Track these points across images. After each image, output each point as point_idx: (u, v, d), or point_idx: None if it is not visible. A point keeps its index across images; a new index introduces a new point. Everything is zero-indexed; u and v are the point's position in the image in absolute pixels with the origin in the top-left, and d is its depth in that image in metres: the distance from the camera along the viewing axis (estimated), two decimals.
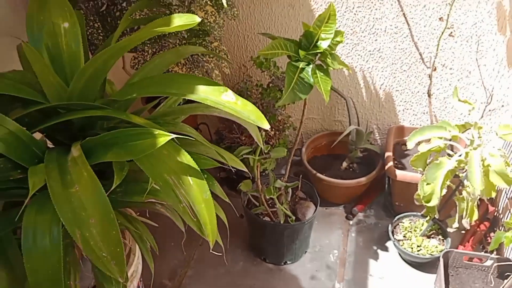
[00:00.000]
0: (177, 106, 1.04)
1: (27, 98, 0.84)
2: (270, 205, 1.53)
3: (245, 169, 1.02)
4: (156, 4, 1.09)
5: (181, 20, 0.78)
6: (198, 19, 0.77)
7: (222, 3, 1.03)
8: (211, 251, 0.77)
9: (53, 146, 0.90)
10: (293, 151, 1.55)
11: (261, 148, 1.40)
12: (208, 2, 1.03)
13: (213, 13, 1.09)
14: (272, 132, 1.70)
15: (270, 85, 1.63)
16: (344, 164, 1.85)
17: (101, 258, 0.67)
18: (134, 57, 1.16)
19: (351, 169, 1.86)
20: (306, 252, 1.65)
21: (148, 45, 1.11)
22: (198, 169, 0.74)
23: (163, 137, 0.69)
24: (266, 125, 0.83)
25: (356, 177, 1.72)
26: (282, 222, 1.49)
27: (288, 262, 1.61)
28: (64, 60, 0.91)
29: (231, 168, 0.98)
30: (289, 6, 1.67)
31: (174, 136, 0.69)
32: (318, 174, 1.73)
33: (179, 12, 1.06)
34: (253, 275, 1.58)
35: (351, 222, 1.77)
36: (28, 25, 0.90)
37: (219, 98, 0.81)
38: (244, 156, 1.40)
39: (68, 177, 0.71)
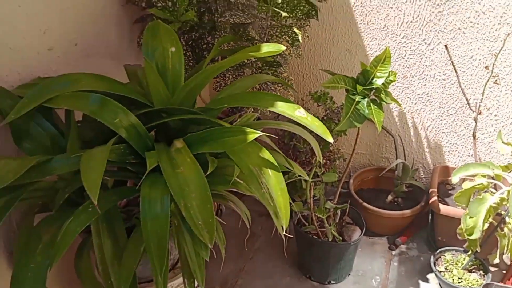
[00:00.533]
0: (252, 121, 1.23)
1: (141, 102, 1.07)
2: (319, 225, 1.67)
3: (307, 177, 1.18)
4: (240, 38, 1.32)
5: (269, 48, 0.99)
6: (283, 47, 0.97)
7: (297, 39, 1.24)
8: (284, 233, 0.92)
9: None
10: (342, 179, 1.70)
11: (314, 173, 1.57)
12: (287, 38, 1.24)
13: (288, 47, 1.30)
14: (324, 161, 1.86)
15: (325, 117, 1.81)
16: (389, 198, 1.97)
17: (197, 225, 0.84)
18: (217, 81, 1.38)
19: (395, 203, 1.97)
20: (349, 274, 1.75)
21: (230, 71, 1.34)
22: (276, 164, 0.91)
23: (253, 134, 0.88)
24: (330, 139, 1.01)
25: (401, 210, 1.83)
26: (330, 241, 1.61)
27: (332, 282, 1.71)
28: (168, 77, 1.14)
29: None
30: (347, 50, 1.88)
31: (261, 133, 0.88)
32: (365, 204, 1.85)
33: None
34: None
35: (393, 253, 1.86)
36: (144, 49, 1.13)
37: (293, 112, 1.00)
38: (297, 178, 1.57)
39: (174, 162, 0.90)
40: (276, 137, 1.83)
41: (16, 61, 1.08)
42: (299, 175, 1.44)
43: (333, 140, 1.02)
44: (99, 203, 0.78)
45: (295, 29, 1.22)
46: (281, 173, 0.91)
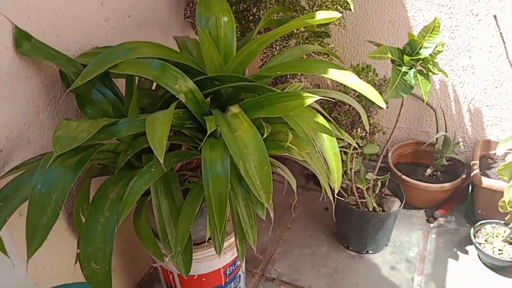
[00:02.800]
0: (301, 89, 1.25)
1: (194, 69, 1.10)
2: (359, 196, 1.69)
3: (354, 143, 1.20)
4: (289, 9, 1.32)
5: (325, 15, 1.00)
6: (339, 15, 0.98)
7: (349, 8, 1.24)
8: (335, 196, 0.95)
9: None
10: (382, 152, 1.71)
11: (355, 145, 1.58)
12: (338, 7, 1.24)
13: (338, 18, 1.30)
14: (364, 133, 1.87)
15: None
16: (428, 171, 1.97)
17: (255, 186, 0.88)
18: (264, 51, 1.40)
19: (434, 177, 1.97)
20: (387, 245, 1.78)
21: (278, 42, 1.35)
22: (330, 129, 0.94)
23: (309, 98, 0.90)
24: (383, 104, 1.02)
25: (440, 183, 1.83)
26: (370, 211, 1.64)
27: (370, 252, 1.74)
28: (220, 46, 1.17)
29: None
30: (390, 22, 1.85)
31: (318, 97, 0.90)
32: (404, 176, 1.86)
33: None
34: (335, 259, 1.73)
35: (431, 225, 1.87)
36: (198, 18, 1.16)
37: (346, 79, 1.01)
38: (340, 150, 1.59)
39: (232, 126, 0.94)
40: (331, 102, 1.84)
41: (76, 31, 1.12)
42: (348, 145, 1.47)
43: (386, 106, 1.04)
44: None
45: None
46: (335, 138, 0.93)
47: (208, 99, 1.06)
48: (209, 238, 1.11)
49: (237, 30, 1.42)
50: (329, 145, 0.92)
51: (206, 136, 0.92)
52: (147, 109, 1.13)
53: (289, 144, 1.00)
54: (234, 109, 0.99)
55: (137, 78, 1.13)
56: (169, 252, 1.02)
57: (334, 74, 1.02)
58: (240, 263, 1.41)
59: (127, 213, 0.89)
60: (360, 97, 1.81)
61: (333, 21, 1.30)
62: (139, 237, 1.11)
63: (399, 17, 1.82)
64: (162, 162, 0.81)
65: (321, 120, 0.94)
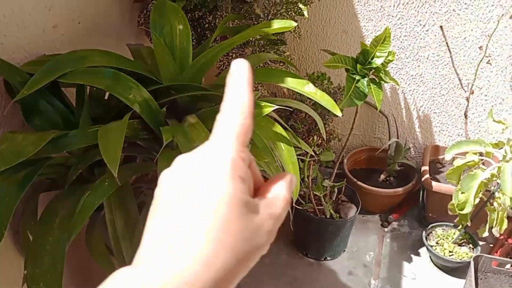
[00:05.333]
0: (257, 99, 1.25)
1: (149, 79, 1.07)
2: (316, 203, 1.71)
3: (311, 151, 1.21)
4: (244, 17, 1.32)
5: (280, 24, 1.00)
6: (295, 24, 0.99)
7: (302, 14, 1.25)
8: (293, 204, 0.95)
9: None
10: (338, 159, 1.74)
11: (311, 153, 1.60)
12: (293, 14, 1.25)
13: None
14: (320, 141, 1.90)
15: None
16: (382, 177, 2.02)
17: None
18: (220, 60, 1.39)
19: (388, 182, 2.03)
20: (344, 251, 1.80)
21: (234, 50, 1.34)
22: (288, 138, 0.94)
23: (268, 107, 0.90)
24: (339, 113, 1.03)
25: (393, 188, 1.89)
26: (327, 217, 1.66)
27: (328, 258, 1.76)
28: (176, 54, 1.14)
29: None
30: (343, 32, 1.90)
31: (276, 106, 0.90)
32: (359, 182, 1.90)
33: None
34: (295, 267, 1.74)
35: (386, 229, 1.92)
36: (152, 26, 1.13)
37: (303, 88, 1.02)
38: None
39: (189, 136, 0.92)
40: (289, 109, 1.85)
41: (22, 38, 1.06)
42: (305, 153, 1.48)
43: (341, 114, 1.05)
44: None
45: (300, 5, 1.23)
46: (293, 147, 0.93)
47: (164, 109, 1.03)
48: None
49: (193, 38, 1.40)
50: (287, 154, 0.92)
51: (163, 148, 0.89)
52: (99, 120, 1.08)
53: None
54: (192, 119, 0.97)
55: (88, 87, 1.09)
56: None
57: (290, 83, 1.02)
58: None
59: (79, 231, 0.85)
60: (316, 105, 1.84)
61: (289, 30, 1.31)
62: (92, 254, 1.06)
63: (352, 26, 1.87)
64: (116, 175, 0.78)
65: (279, 129, 0.94)
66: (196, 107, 1.10)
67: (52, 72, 0.92)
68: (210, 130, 0.91)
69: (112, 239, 1.00)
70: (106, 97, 1.15)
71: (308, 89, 1.02)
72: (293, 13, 1.25)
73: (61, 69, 0.93)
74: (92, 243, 1.06)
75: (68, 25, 1.22)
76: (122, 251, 1.00)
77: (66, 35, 1.22)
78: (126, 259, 1.00)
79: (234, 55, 1.37)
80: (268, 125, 0.94)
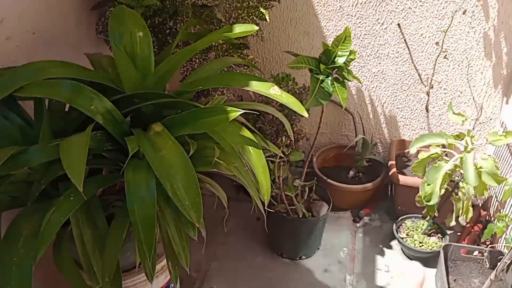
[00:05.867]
0: (223, 103, 1.24)
1: (111, 88, 1.05)
2: (288, 203, 1.71)
3: (280, 153, 1.21)
4: (206, 22, 1.31)
5: (241, 28, 1.00)
6: (256, 28, 0.99)
7: (264, 18, 1.25)
8: (266, 208, 0.95)
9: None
10: (307, 158, 1.76)
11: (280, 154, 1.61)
12: (255, 18, 1.26)
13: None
14: (289, 141, 1.91)
15: None
16: (351, 173, 2.06)
17: (185, 206, 0.85)
18: (184, 65, 1.37)
19: (357, 178, 2.06)
20: (318, 249, 1.82)
21: (197, 55, 1.33)
22: (256, 141, 0.94)
23: (234, 112, 0.89)
24: (306, 114, 1.04)
25: (362, 184, 1.92)
26: (300, 217, 1.67)
27: (303, 257, 1.77)
28: (138, 62, 1.12)
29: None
30: (305, 32, 1.92)
31: (242, 111, 0.89)
32: (329, 180, 1.93)
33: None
34: (271, 268, 1.74)
35: (358, 225, 1.96)
36: (111, 34, 1.11)
37: (268, 90, 1.03)
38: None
39: (156, 145, 0.90)
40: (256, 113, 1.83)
41: None
42: (274, 154, 1.48)
43: (308, 115, 1.06)
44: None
45: (261, 9, 1.24)
46: (261, 151, 0.93)
47: (128, 118, 1.01)
48: (140, 263, 1.05)
49: (154, 44, 1.38)
50: (256, 158, 0.92)
51: (129, 158, 0.87)
52: (60, 133, 1.04)
53: (217, 159, 0.98)
54: (157, 127, 0.95)
55: (47, 100, 1.05)
56: (96, 284, 0.95)
57: (255, 86, 1.02)
58: (174, 285, 1.36)
59: (45, 249, 0.82)
60: (283, 106, 1.85)
61: (251, 33, 1.31)
62: (60, 271, 1.02)
63: (313, 27, 1.90)
64: (81, 190, 0.75)
65: (246, 133, 0.94)
66: (161, 115, 1.09)
67: (7, 86, 0.89)
68: (176, 138, 0.90)
69: (81, 254, 0.97)
70: (66, 109, 1.12)
71: (273, 91, 1.03)
72: (254, 17, 1.26)
73: (17, 82, 0.89)
74: (60, 260, 1.02)
75: (23, 36, 1.17)
76: (93, 265, 0.97)
77: (21, 46, 1.17)
78: (97, 273, 0.97)
79: (197, 60, 1.36)
80: (235, 129, 0.94)
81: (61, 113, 1.10)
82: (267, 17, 1.25)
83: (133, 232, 0.87)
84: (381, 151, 2.14)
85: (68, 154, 0.79)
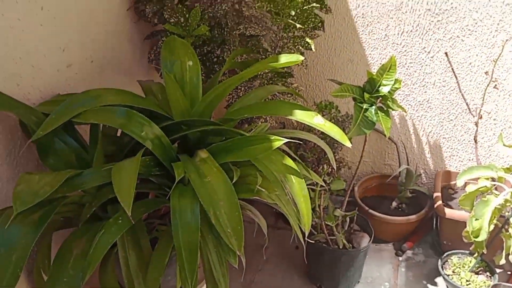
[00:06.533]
0: (266, 130, 1.26)
1: (160, 115, 1.09)
2: (328, 233, 1.69)
3: (322, 182, 1.21)
4: (252, 50, 1.35)
5: (287, 58, 1.02)
6: (301, 58, 1.01)
7: (309, 48, 1.28)
8: (306, 238, 0.94)
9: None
10: (349, 187, 1.74)
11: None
12: (300, 48, 1.28)
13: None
14: (330, 169, 1.89)
15: None
16: (394, 204, 2.00)
17: (226, 233, 0.86)
18: (229, 93, 1.41)
19: (400, 209, 2.00)
20: (358, 282, 1.77)
21: (243, 83, 1.37)
22: (299, 170, 0.94)
23: (278, 141, 0.90)
24: (349, 144, 1.04)
25: (405, 216, 1.87)
26: (340, 248, 1.64)
27: None
28: (186, 90, 1.17)
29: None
30: (349, 60, 1.93)
31: (286, 140, 0.91)
32: (371, 211, 1.89)
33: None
34: None
35: (400, 258, 1.89)
36: (163, 63, 1.16)
37: (312, 120, 1.03)
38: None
39: (201, 171, 0.93)
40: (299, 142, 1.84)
41: (38, 79, 1.10)
42: (315, 182, 1.47)
43: (350, 145, 1.06)
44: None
45: (307, 39, 1.26)
46: (303, 180, 0.94)
47: (176, 144, 1.05)
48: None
49: (202, 72, 1.42)
50: (298, 187, 0.93)
51: (175, 184, 0.90)
52: (113, 157, 1.10)
53: (259, 187, 0.99)
54: (203, 154, 0.98)
55: (101, 124, 1.11)
56: None
57: (299, 115, 1.04)
58: None
59: (94, 269, 0.85)
60: (324, 134, 1.85)
61: (301, 62, 1.34)
62: None
63: (357, 55, 1.90)
64: (129, 214, 0.78)
65: (289, 162, 0.95)
66: (207, 141, 1.12)
67: (67, 113, 0.94)
68: (220, 165, 0.92)
69: (125, 276, 1.00)
70: (118, 134, 1.17)
71: (317, 120, 1.03)
72: (300, 47, 1.28)
73: (76, 109, 0.95)
74: (105, 281, 1.06)
75: (82, 64, 1.25)
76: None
77: (80, 73, 1.25)
78: None
79: (243, 88, 1.39)
80: (278, 158, 0.95)
81: (114, 138, 1.15)
82: (312, 47, 1.27)
83: (176, 257, 0.89)
84: (425, 182, 2.08)
85: (119, 178, 0.83)
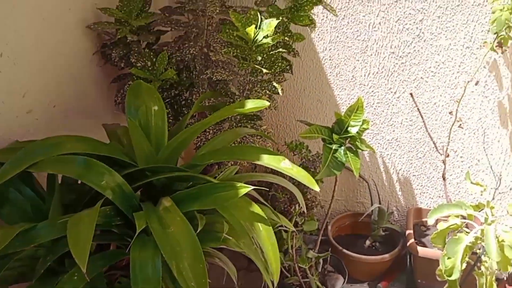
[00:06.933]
0: (234, 175, 1.24)
1: (124, 161, 1.06)
2: (302, 276, 1.65)
3: (292, 228, 1.18)
4: (220, 94, 1.35)
5: (253, 104, 1.02)
6: (267, 103, 1.01)
7: (277, 92, 1.28)
8: (278, 282, 0.91)
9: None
10: (322, 227, 1.72)
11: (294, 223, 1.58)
12: (267, 92, 1.29)
13: (267, 101, 1.35)
14: (302, 210, 1.87)
15: (301, 166, 1.84)
16: (367, 243, 1.99)
17: (190, 287, 0.82)
18: (198, 136, 1.39)
19: (373, 247, 1.99)
20: None
21: (211, 126, 1.36)
22: (266, 218, 0.92)
23: (243, 189, 0.89)
24: (317, 188, 1.03)
25: (379, 254, 1.85)
26: None
27: None
28: (152, 135, 1.15)
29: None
30: (318, 101, 1.95)
31: (252, 187, 0.89)
32: (344, 250, 1.86)
33: (239, 101, 1.32)
34: None
35: None
36: (128, 108, 1.14)
37: (279, 164, 1.02)
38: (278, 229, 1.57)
39: (164, 221, 0.89)
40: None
41: None
42: (282, 226, 1.45)
43: (319, 189, 1.05)
44: (86, 269, 0.75)
45: (274, 84, 1.27)
46: (271, 227, 0.91)
47: (138, 192, 1.01)
48: None
49: (170, 115, 1.41)
50: (265, 235, 0.90)
51: (135, 235, 0.86)
52: (72, 206, 1.05)
53: (226, 235, 0.96)
54: (166, 202, 0.95)
55: None
56: None
57: (267, 159, 1.02)
58: None
59: None
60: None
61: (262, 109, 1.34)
62: None
63: (326, 95, 1.93)
64: (84, 271, 0.74)
65: (256, 209, 0.93)
66: (173, 187, 1.09)
67: (22, 162, 0.90)
68: (185, 213, 0.89)
69: None
70: (79, 181, 1.13)
71: (284, 165, 1.02)
72: (267, 91, 1.29)
73: (32, 158, 0.91)
74: None
75: (43, 109, 1.22)
76: None
77: (41, 119, 1.22)
78: None
79: (211, 131, 1.38)
80: (245, 205, 0.93)
81: (74, 186, 1.11)
82: (279, 91, 1.28)
83: None
84: (398, 219, 2.08)
85: (75, 232, 0.79)
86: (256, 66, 1.20)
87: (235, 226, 0.89)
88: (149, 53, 1.39)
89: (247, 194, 1.03)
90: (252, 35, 1.19)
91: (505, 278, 1.82)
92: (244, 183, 1.14)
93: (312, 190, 1.88)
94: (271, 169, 1.07)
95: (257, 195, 1.09)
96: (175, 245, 0.84)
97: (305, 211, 1.30)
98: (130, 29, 1.41)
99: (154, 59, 1.39)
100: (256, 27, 1.21)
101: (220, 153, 1.09)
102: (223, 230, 0.95)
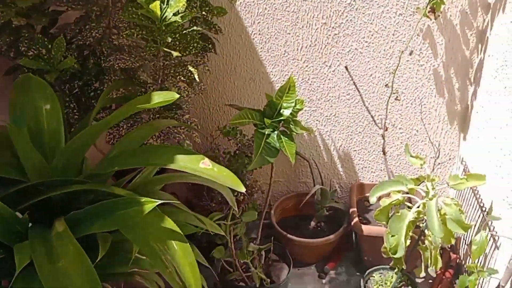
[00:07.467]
0: (154, 176, 1.09)
1: (8, 177, 0.88)
2: (245, 269, 1.55)
3: (222, 233, 1.06)
4: (131, 83, 1.17)
5: (160, 97, 0.86)
6: (176, 96, 0.85)
7: (194, 78, 1.13)
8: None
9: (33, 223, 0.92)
10: (263, 214, 1.61)
11: (233, 213, 1.45)
12: (182, 78, 1.13)
13: (186, 88, 1.19)
14: (241, 197, 1.76)
15: (237, 152, 1.72)
16: (312, 224, 1.92)
17: None
18: (110, 132, 1.21)
19: (319, 228, 1.92)
20: None
21: (124, 120, 1.18)
22: (181, 233, 0.78)
23: (149, 204, 0.74)
24: (242, 188, 0.90)
25: (324, 236, 1.79)
26: (257, 286, 1.50)
27: None
28: (45, 139, 0.96)
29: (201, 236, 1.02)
30: (250, 79, 1.81)
31: (159, 201, 0.74)
32: (289, 235, 1.78)
33: (153, 89, 1.15)
34: None
35: (324, 281, 1.80)
36: (11, 109, 0.95)
37: (197, 166, 0.88)
38: (216, 222, 1.44)
39: (54, 252, 0.73)
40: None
41: None
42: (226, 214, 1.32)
43: (245, 190, 0.92)
44: None
45: (190, 68, 1.11)
46: (188, 244, 0.78)
47: (26, 215, 0.84)
48: None
49: (75, 111, 1.21)
50: (181, 254, 0.77)
51: (16, 273, 0.70)
52: None
53: (138, 255, 0.82)
54: (59, 226, 0.79)
55: None
56: None
57: (182, 161, 0.88)
58: None
59: None
60: (231, 161, 1.71)
61: (186, 95, 1.18)
62: None
63: (259, 73, 1.79)
64: None
65: (169, 224, 0.79)
66: (73, 204, 0.92)
67: None
68: (79, 239, 0.73)
69: None
70: None
71: (203, 165, 0.89)
72: (181, 77, 1.12)
73: None
74: None
75: None
76: None
77: None
78: None
79: (125, 125, 1.20)
80: (154, 221, 0.78)
81: None
82: (196, 77, 1.12)
83: None
84: (341, 196, 2.02)
85: None
86: (165, 49, 1.03)
87: (143, 249, 0.74)
88: (42, 39, 1.18)
89: (172, 190, 0.89)
90: (159, 12, 1.02)
91: (448, 247, 1.83)
92: (164, 186, 1.00)
93: (251, 176, 1.78)
94: None
95: (174, 201, 0.95)
96: (67, 282, 0.69)
97: (237, 212, 1.18)
98: (16, 11, 1.18)
99: (50, 46, 1.18)
100: (163, 3, 1.04)
101: (127, 156, 0.92)
102: (133, 251, 0.80)
